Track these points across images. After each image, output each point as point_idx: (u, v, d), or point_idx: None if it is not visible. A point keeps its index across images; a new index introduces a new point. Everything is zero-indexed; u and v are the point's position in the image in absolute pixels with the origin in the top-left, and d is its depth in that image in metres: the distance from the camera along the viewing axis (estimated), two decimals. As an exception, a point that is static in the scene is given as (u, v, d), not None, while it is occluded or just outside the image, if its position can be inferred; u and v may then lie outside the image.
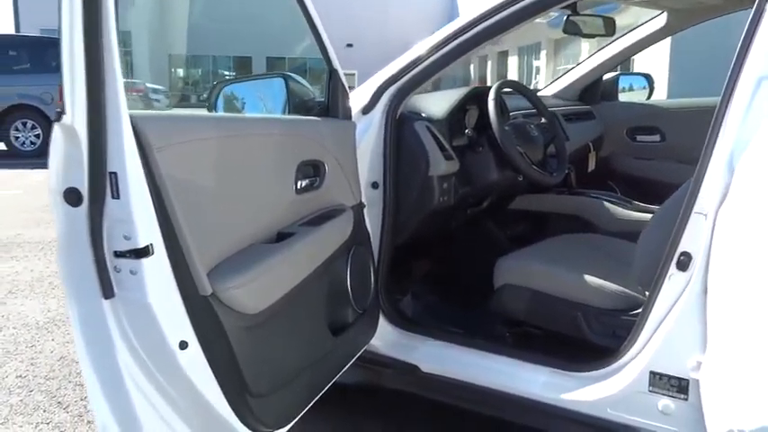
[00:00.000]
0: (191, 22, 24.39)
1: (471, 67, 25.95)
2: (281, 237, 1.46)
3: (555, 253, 2.06)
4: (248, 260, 1.31)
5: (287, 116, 1.70)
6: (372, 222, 1.89)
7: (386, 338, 1.95)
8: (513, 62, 23.48)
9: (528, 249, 2.08)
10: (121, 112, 1.07)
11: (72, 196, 1.09)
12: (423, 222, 2.01)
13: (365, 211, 1.85)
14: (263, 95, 1.78)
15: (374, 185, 1.88)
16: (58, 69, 1.05)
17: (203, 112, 1.63)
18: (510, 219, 2.79)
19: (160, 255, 1.13)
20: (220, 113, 1.73)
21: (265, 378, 1.39)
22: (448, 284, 2.48)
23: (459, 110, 2.19)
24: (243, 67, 27.55)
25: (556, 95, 3.25)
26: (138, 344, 1.17)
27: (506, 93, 2.36)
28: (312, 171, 1.61)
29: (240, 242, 1.34)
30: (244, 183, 1.37)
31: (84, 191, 1.09)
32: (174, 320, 1.16)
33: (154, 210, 1.12)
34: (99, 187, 1.08)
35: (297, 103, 1.74)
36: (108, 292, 1.12)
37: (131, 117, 1.09)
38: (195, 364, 1.21)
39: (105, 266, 1.11)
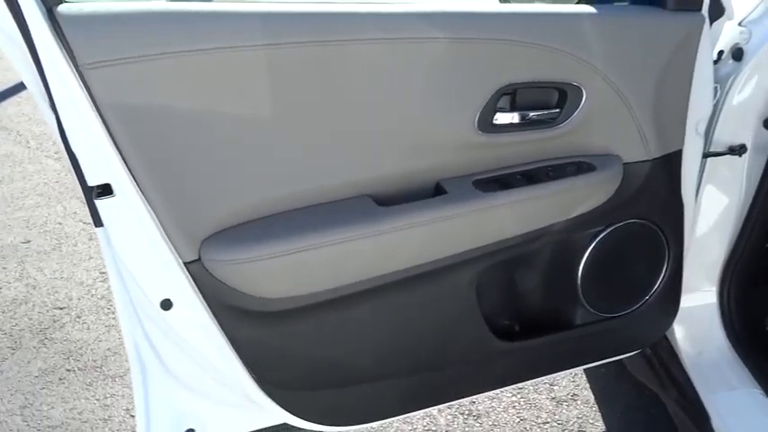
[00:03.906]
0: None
1: None
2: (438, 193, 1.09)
3: None
4: (283, 226, 1.00)
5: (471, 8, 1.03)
6: (747, 181, 1.33)
7: (708, 352, 1.40)
8: None
9: None
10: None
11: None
12: None
13: (744, 163, 1.30)
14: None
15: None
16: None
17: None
18: None
19: (127, 198, 0.91)
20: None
21: (298, 372, 1.12)
22: None
23: None
24: None
25: None
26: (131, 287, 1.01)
27: None
28: (549, 98, 1.09)
29: (302, 194, 1.02)
30: (302, 109, 0.96)
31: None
32: (152, 276, 0.98)
33: (109, 140, 0.87)
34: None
35: None
36: (97, 219, 0.93)
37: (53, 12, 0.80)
38: (187, 325, 1.02)
39: (90, 191, 0.92)
